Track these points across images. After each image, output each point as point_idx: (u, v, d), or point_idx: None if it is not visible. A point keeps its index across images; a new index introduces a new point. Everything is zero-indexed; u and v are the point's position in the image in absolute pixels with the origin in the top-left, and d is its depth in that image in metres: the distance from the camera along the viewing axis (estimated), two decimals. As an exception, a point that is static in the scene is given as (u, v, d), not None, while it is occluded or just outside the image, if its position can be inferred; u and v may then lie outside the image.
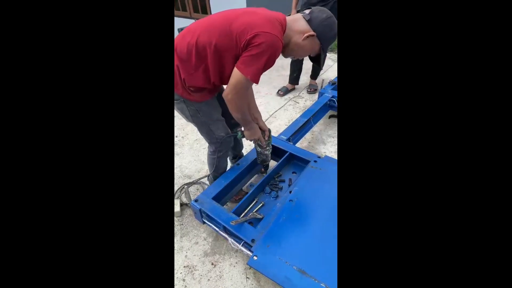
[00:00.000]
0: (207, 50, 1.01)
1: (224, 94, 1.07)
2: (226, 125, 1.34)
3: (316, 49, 1.11)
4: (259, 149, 1.41)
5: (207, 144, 2.14)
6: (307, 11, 1.08)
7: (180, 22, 4.50)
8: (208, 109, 1.23)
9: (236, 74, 1.00)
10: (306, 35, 1.05)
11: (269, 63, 0.99)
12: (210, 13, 4.32)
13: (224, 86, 1.12)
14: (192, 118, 1.24)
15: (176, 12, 4.77)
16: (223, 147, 1.37)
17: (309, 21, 1.05)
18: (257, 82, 1.02)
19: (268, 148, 1.42)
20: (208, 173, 1.82)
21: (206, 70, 1.06)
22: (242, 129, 1.32)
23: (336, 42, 1.55)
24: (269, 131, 1.41)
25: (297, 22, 1.07)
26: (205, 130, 1.30)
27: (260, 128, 1.35)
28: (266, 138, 1.39)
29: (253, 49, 0.95)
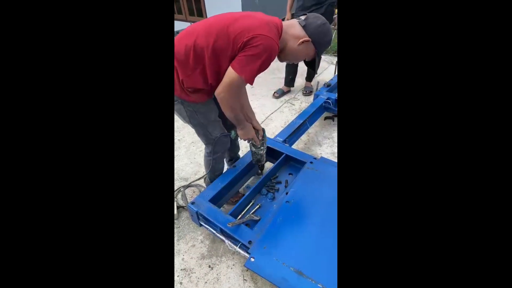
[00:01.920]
0: (204, 52, 1.03)
1: (216, 92, 1.08)
2: (223, 126, 1.34)
3: (311, 54, 1.15)
4: (253, 149, 1.42)
5: (203, 147, 2.15)
6: (302, 17, 1.11)
7: (175, 25, 4.50)
8: (205, 110, 1.24)
9: (230, 73, 1.01)
10: (301, 40, 1.08)
11: (264, 65, 1.01)
12: (206, 16, 4.34)
13: None
14: (190, 119, 1.25)
15: (171, 15, 4.78)
16: (218, 147, 1.37)
17: (304, 27, 1.09)
18: (251, 83, 1.03)
19: (262, 147, 1.42)
20: (205, 175, 1.82)
21: (204, 71, 1.07)
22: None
23: (331, 45, 1.57)
24: (263, 130, 1.42)
25: (293, 27, 1.10)
26: (202, 131, 1.31)
27: (254, 128, 1.36)
28: (260, 138, 1.39)
29: (249, 50, 0.97)
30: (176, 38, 1.10)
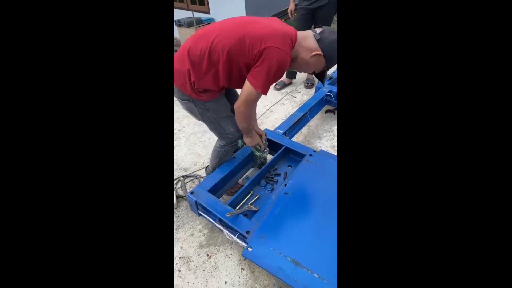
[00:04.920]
0: (219, 56, 1.06)
1: (236, 106, 1.14)
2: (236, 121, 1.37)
3: (321, 67, 1.18)
4: (257, 153, 1.48)
5: (203, 137, 2.16)
6: (318, 30, 1.14)
7: (177, 14, 4.44)
8: (216, 107, 1.27)
9: (247, 87, 1.06)
10: (314, 53, 1.12)
11: (276, 77, 1.06)
12: (208, 5, 4.26)
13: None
14: (202, 116, 1.28)
15: (173, 4, 4.70)
16: (229, 148, 1.44)
17: (318, 41, 1.12)
18: (265, 94, 1.09)
19: (265, 150, 1.50)
20: (205, 165, 1.83)
21: (217, 74, 1.10)
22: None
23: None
24: (265, 134, 1.49)
25: (307, 39, 1.13)
26: (215, 126, 1.34)
27: (257, 133, 1.42)
28: (264, 141, 1.46)
29: (263, 64, 1.02)
30: (191, 39, 1.14)
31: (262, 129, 1.53)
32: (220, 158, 1.48)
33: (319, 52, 1.11)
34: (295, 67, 1.19)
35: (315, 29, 1.16)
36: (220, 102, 1.27)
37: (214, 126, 1.34)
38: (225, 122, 1.32)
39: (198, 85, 1.13)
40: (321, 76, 1.26)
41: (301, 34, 1.14)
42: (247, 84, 1.06)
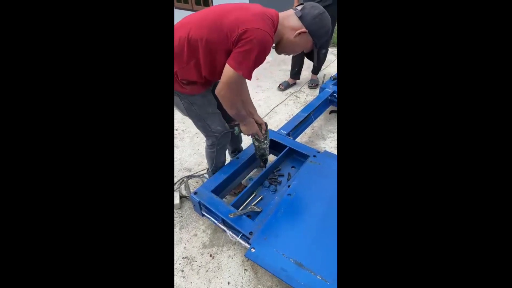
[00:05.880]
0: (198, 45, 1.02)
1: (216, 91, 1.08)
2: (223, 119, 1.34)
3: (309, 46, 1.12)
4: (257, 144, 1.43)
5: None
6: (299, 7, 1.09)
7: (182, 15, 4.46)
8: (202, 102, 1.24)
9: (227, 70, 1.01)
10: (297, 32, 1.06)
11: (259, 59, 1.00)
12: (212, 6, 4.27)
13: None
14: (187, 111, 1.25)
15: (177, 4, 4.72)
16: (221, 140, 1.38)
17: (300, 18, 1.06)
18: (249, 79, 1.03)
19: (265, 141, 1.43)
20: (208, 166, 1.83)
21: (198, 64, 1.07)
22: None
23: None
24: (266, 124, 1.42)
25: (289, 18, 1.08)
26: (201, 123, 1.31)
27: (256, 122, 1.36)
28: (263, 132, 1.40)
29: (243, 46, 0.97)
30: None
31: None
32: (213, 159, 1.45)
33: (303, 29, 1.05)
34: (281, 49, 1.14)
35: (296, 6, 1.11)
36: (206, 97, 1.24)
37: (200, 123, 1.30)
38: (211, 119, 1.29)
39: (181, 76, 1.11)
40: (311, 55, 1.19)
41: (282, 14, 1.09)
42: (226, 67, 1.01)
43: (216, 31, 0.99)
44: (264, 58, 1.03)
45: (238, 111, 1.17)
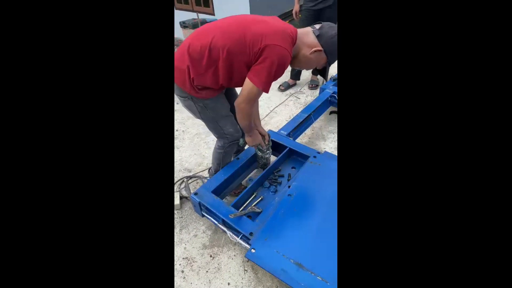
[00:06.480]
0: (219, 53, 1.05)
1: (236, 103, 1.13)
2: (235, 121, 1.35)
3: (322, 63, 1.18)
4: (259, 154, 1.47)
5: (207, 138, 2.16)
6: (317, 26, 1.14)
7: (182, 16, 4.46)
8: (215, 105, 1.27)
9: (248, 85, 1.06)
10: (314, 49, 1.11)
11: (278, 74, 1.06)
12: (213, 6, 4.28)
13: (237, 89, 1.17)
14: (200, 114, 1.28)
15: (177, 5, 4.73)
16: (228, 150, 1.43)
17: (318, 36, 1.11)
18: (267, 92, 1.09)
19: (268, 151, 1.48)
20: (209, 166, 1.83)
21: (216, 72, 1.10)
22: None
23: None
24: (269, 135, 1.47)
25: (307, 36, 1.13)
26: (213, 125, 1.34)
27: (260, 133, 1.41)
28: (266, 142, 1.45)
29: (264, 61, 1.02)
30: (192, 35, 1.14)
31: (266, 130, 1.53)
32: (221, 160, 1.48)
33: (319, 48, 1.11)
34: (296, 64, 1.19)
35: (315, 25, 1.16)
36: (219, 100, 1.27)
37: (213, 125, 1.33)
38: (224, 121, 1.32)
39: (197, 82, 1.13)
40: (322, 72, 1.25)
41: (300, 31, 1.14)
42: (247, 81, 1.06)
43: (239, 42, 1.03)
44: (282, 73, 1.09)
45: (250, 122, 1.23)
